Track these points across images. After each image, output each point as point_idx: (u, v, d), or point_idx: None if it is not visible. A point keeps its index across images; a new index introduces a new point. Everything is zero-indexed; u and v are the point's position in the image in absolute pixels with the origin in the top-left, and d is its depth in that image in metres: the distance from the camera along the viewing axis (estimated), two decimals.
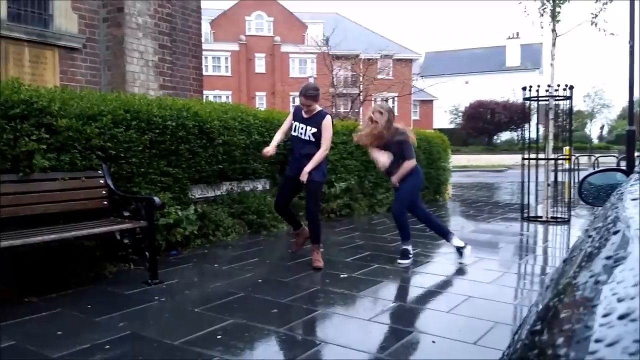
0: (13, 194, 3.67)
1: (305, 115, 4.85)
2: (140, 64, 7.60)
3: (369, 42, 36.87)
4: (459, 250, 5.22)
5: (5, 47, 6.61)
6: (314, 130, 4.77)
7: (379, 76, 23.73)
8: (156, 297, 3.78)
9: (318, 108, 4.91)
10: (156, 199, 4.16)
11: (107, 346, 2.87)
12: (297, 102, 5.00)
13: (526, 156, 8.16)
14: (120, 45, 7.44)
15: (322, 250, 5.05)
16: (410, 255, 5.13)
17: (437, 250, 5.87)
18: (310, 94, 4.82)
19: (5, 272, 3.71)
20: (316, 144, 4.79)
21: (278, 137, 5.06)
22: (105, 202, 4.29)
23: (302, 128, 4.80)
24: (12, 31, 6.73)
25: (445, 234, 5.42)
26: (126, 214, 4.25)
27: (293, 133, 4.89)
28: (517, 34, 51.70)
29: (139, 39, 7.61)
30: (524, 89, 8.06)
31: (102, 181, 4.31)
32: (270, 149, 4.91)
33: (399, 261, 5.04)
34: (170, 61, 8.11)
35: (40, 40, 7.08)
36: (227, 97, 37.65)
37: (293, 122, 4.91)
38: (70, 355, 2.74)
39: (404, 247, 5.18)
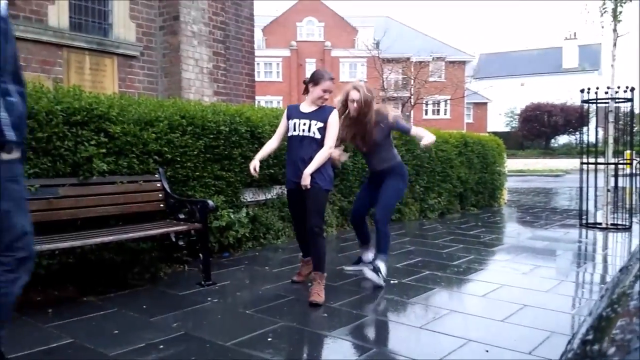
0: (73, 196, 3.84)
1: (308, 110, 4.03)
2: (195, 71, 7.81)
3: (420, 44, 36.52)
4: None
5: (68, 55, 6.94)
6: (320, 125, 3.93)
7: (431, 79, 23.46)
8: (209, 298, 3.86)
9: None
10: (210, 202, 4.25)
11: (161, 346, 2.95)
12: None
13: (585, 160, 7.86)
14: (176, 52, 7.67)
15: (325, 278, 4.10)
16: (380, 274, 4.28)
17: (491, 257, 5.73)
18: (334, 77, 4.14)
19: (66, 272, 3.88)
20: (322, 143, 3.95)
21: (273, 144, 4.23)
22: (162, 205, 4.43)
23: (304, 124, 3.93)
24: (74, 40, 7.06)
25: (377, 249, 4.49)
26: (181, 216, 4.36)
27: (293, 133, 3.99)
28: (575, 34, 49.96)
29: (194, 47, 7.82)
30: (582, 91, 7.77)
31: (158, 185, 4.45)
32: (252, 166, 4.10)
33: (370, 276, 4.27)
34: (224, 68, 8.29)
35: (100, 48, 7.40)
36: (279, 102, 38.13)
37: (290, 121, 4.04)
38: (126, 354, 2.83)
39: (380, 261, 4.32)
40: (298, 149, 3.95)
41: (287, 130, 4.07)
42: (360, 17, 43.82)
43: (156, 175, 4.49)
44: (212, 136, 5.08)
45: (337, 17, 41.98)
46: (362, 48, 28.82)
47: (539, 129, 40.10)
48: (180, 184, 4.82)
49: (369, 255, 4.80)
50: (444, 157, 9.03)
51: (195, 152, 4.91)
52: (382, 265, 4.30)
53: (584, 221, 7.92)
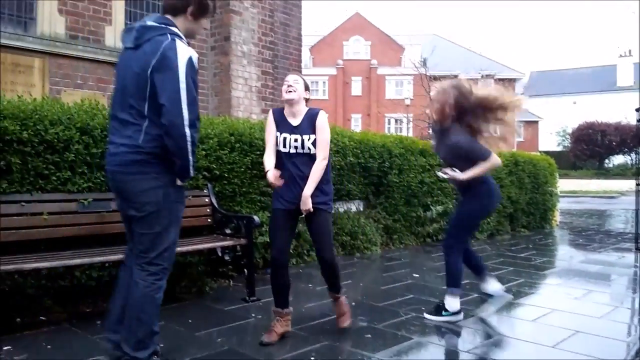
0: None
1: (294, 122, 3.40)
2: (244, 90, 7.98)
3: (469, 62, 36.12)
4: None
5: None
6: (314, 137, 3.36)
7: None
8: (253, 314, 3.87)
9: (305, 108, 3.46)
10: (256, 217, 4.29)
11: None
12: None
13: None
14: (227, 72, 7.86)
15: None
16: (455, 311, 3.90)
17: (543, 281, 5.53)
18: (300, 76, 3.53)
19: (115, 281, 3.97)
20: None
21: (271, 160, 3.41)
22: (209, 220, 4.50)
23: (296, 140, 3.36)
24: None
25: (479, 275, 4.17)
26: (227, 231, 4.42)
27: (282, 149, 3.39)
28: (630, 51, 48.35)
29: (244, 66, 7.99)
30: (638, 110, 7.49)
31: (207, 200, 4.53)
32: (273, 177, 3.31)
33: (430, 317, 3.92)
34: (272, 87, 8.43)
35: None
36: None
37: (278, 134, 3.42)
38: None
39: (449, 297, 3.92)
40: (293, 167, 3.38)
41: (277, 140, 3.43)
42: (407, 36, 43.80)
43: (205, 191, 4.57)
44: (259, 153, 5.13)
45: (383, 35, 42.10)
46: (409, 66, 28.76)
47: (593, 148, 38.77)
48: (228, 199, 4.89)
49: (487, 286, 4.11)
50: (494, 176, 8.75)
51: (243, 169, 4.98)
52: (448, 301, 3.90)
53: (639, 245, 7.57)
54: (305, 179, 3.33)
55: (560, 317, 4.09)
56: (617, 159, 41.01)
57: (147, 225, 2.58)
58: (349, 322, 3.61)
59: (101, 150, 3.86)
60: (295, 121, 3.40)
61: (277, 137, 3.40)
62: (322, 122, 3.39)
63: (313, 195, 3.31)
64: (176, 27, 2.62)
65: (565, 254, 7.63)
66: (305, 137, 3.35)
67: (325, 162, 3.36)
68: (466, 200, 3.96)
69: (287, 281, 3.45)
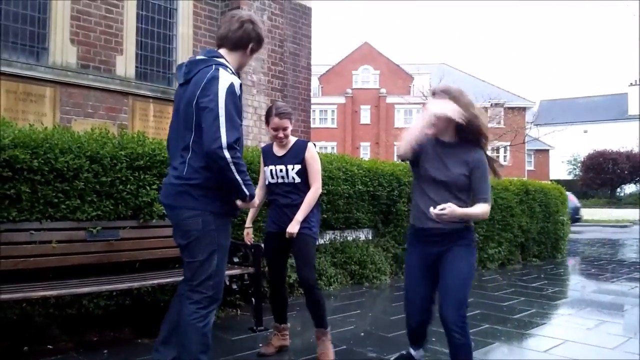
0: (133, 239, 3.94)
1: (279, 153, 3.60)
2: (253, 119, 8.05)
3: (478, 91, 36.07)
4: None
5: (133, 103, 7.32)
6: (298, 167, 3.52)
7: (489, 125, 23.13)
8: (260, 344, 3.82)
9: (293, 138, 3.66)
10: (263, 246, 4.26)
11: None
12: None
13: None
14: None
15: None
16: None
17: (554, 311, 5.44)
18: (284, 111, 3.57)
19: (123, 313, 3.96)
20: (304, 186, 3.55)
21: (260, 197, 3.63)
22: None
23: (281, 171, 3.54)
24: (139, 89, 7.46)
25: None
26: (235, 260, 4.40)
27: (270, 180, 3.60)
28: (638, 80, 48.44)
29: (253, 95, 8.08)
30: None
31: None
32: (247, 238, 3.97)
33: None
34: None
35: (164, 96, 7.76)
36: (333, 148, 38.53)
37: (266, 168, 3.64)
38: None
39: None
40: (280, 197, 3.58)
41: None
42: (416, 65, 44.19)
43: None
44: None
45: (392, 64, 42.49)
46: (418, 94, 28.93)
47: (604, 177, 38.50)
48: (236, 227, 4.85)
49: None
50: (504, 204, 8.76)
51: None
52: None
53: None
54: (290, 206, 3.53)
55: (573, 348, 4.01)
56: (629, 188, 40.68)
57: (190, 254, 2.65)
58: (327, 357, 3.48)
59: (110, 179, 3.90)
60: (281, 152, 3.61)
61: (264, 171, 3.67)
62: (312, 153, 3.58)
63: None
64: (223, 58, 2.70)
65: (577, 283, 7.51)
66: (290, 167, 3.54)
67: (319, 191, 3.58)
68: (464, 251, 2.89)
69: (285, 298, 3.79)
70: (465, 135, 2.88)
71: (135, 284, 3.57)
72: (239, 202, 2.64)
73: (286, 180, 3.54)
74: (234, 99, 2.54)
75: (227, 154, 2.46)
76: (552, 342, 4.15)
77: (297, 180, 3.53)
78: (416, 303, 3.05)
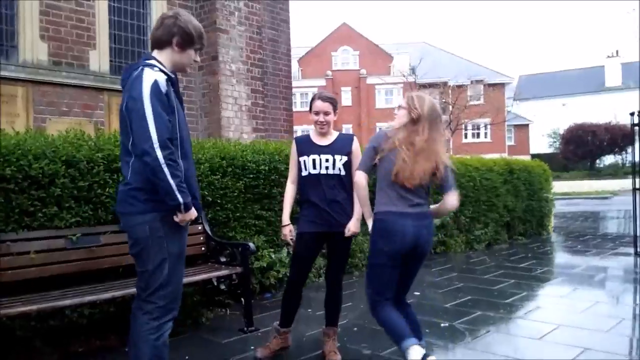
0: (115, 244, 3.78)
1: (323, 142, 3.43)
2: (234, 109, 7.87)
3: (458, 68, 36.23)
4: None
5: (109, 99, 7.10)
6: (345, 159, 3.36)
7: (470, 103, 23.15)
8: (252, 347, 3.74)
9: (335, 132, 3.51)
10: (251, 245, 4.17)
11: None
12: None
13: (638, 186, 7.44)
14: (216, 92, 7.75)
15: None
16: None
17: (546, 293, 5.46)
18: (328, 96, 3.48)
19: (109, 321, 3.84)
20: (348, 180, 3.36)
21: (293, 191, 3.55)
22: (203, 249, 4.37)
23: (327, 160, 3.34)
24: (115, 84, 7.21)
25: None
26: (222, 259, 4.29)
27: (312, 171, 3.36)
28: (617, 52, 48.83)
29: (233, 85, 7.89)
30: (633, 114, 7.43)
31: (199, 227, 4.40)
32: (289, 235, 3.56)
33: None
34: (262, 104, 8.34)
35: None
36: None
37: (302, 159, 3.42)
38: None
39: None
40: (323, 190, 3.34)
41: (300, 168, 3.44)
42: (395, 44, 43.96)
43: (198, 219, 4.44)
44: (252, 176, 5.03)
45: (372, 45, 42.20)
46: (398, 74, 28.81)
47: (583, 149, 38.95)
48: (221, 225, 4.77)
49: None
50: (489, 185, 8.76)
51: (236, 193, 4.86)
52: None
53: (639, 249, 7.48)
54: (335, 202, 3.33)
55: (567, 333, 4.02)
56: (608, 159, 41.22)
57: (139, 263, 2.56)
58: (336, 357, 3.43)
59: (88, 183, 3.75)
60: (324, 142, 3.42)
61: (304, 161, 3.39)
62: (358, 147, 3.46)
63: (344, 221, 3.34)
64: (156, 60, 2.59)
65: (565, 262, 7.54)
66: (337, 157, 3.35)
67: None
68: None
69: (299, 302, 3.57)
70: None
71: (119, 293, 3.44)
72: (176, 218, 2.49)
73: (331, 172, 3.34)
74: (160, 96, 2.45)
75: (159, 153, 2.36)
76: (546, 327, 4.13)
77: (343, 172, 3.36)
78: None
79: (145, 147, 2.37)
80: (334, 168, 3.35)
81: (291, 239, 3.55)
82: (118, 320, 3.87)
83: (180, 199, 2.43)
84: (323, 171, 3.35)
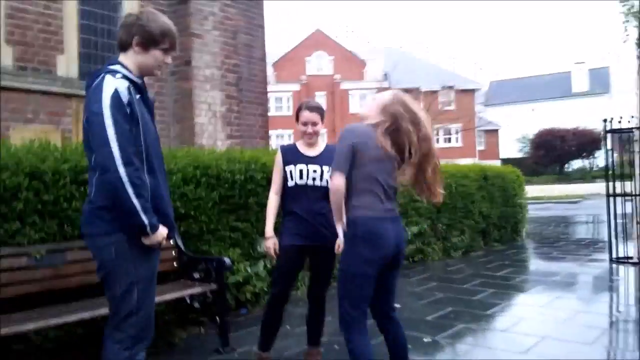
0: (81, 261, 3.53)
1: (310, 153, 3.33)
2: (208, 116, 7.67)
3: (430, 74, 36.61)
4: None
5: (77, 105, 6.80)
6: None
7: (445, 108, 23.39)
8: None
9: (323, 143, 3.46)
10: (227, 259, 3.99)
11: None
12: None
13: (612, 192, 7.48)
14: (189, 98, 7.55)
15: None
16: None
17: (526, 303, 5.43)
18: (315, 105, 3.38)
19: (77, 342, 3.62)
20: None
21: (277, 202, 3.42)
22: (175, 264, 4.17)
23: (314, 171, 3.25)
24: (83, 90, 6.95)
25: None
26: (196, 275, 4.09)
27: (299, 181, 3.27)
28: (584, 59, 50.31)
29: (207, 91, 7.69)
30: (605, 120, 7.49)
31: (171, 242, 4.20)
32: (273, 249, 3.40)
33: None
34: (237, 110, 8.16)
35: None
36: (289, 136, 38.19)
37: (288, 168, 3.31)
38: None
39: None
40: (310, 202, 3.24)
41: (285, 178, 3.33)
42: (368, 50, 44.19)
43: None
44: (227, 186, 4.85)
45: (346, 51, 42.36)
46: (371, 79, 28.92)
47: (552, 154, 39.74)
48: (194, 238, 4.57)
49: None
50: (465, 192, 8.75)
51: (210, 204, 4.67)
52: None
53: (614, 256, 7.53)
54: (320, 215, 3.20)
55: (552, 345, 3.98)
56: (576, 164, 42.18)
57: (106, 287, 2.41)
58: None
59: (53, 197, 3.53)
60: (312, 152, 3.33)
61: (290, 171, 3.29)
62: None
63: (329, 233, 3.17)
64: (121, 64, 2.41)
65: (542, 270, 7.52)
66: (325, 168, 3.22)
67: None
68: None
69: (280, 322, 3.42)
70: None
71: (87, 314, 3.24)
72: (144, 240, 2.32)
73: (318, 184, 3.25)
74: (121, 108, 2.26)
75: (121, 170, 2.19)
76: (530, 340, 4.07)
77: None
78: None
79: (107, 163, 2.20)
80: (321, 180, 3.25)
81: (275, 252, 3.39)
82: (86, 342, 3.66)
83: (145, 220, 2.25)
84: (310, 182, 3.26)
